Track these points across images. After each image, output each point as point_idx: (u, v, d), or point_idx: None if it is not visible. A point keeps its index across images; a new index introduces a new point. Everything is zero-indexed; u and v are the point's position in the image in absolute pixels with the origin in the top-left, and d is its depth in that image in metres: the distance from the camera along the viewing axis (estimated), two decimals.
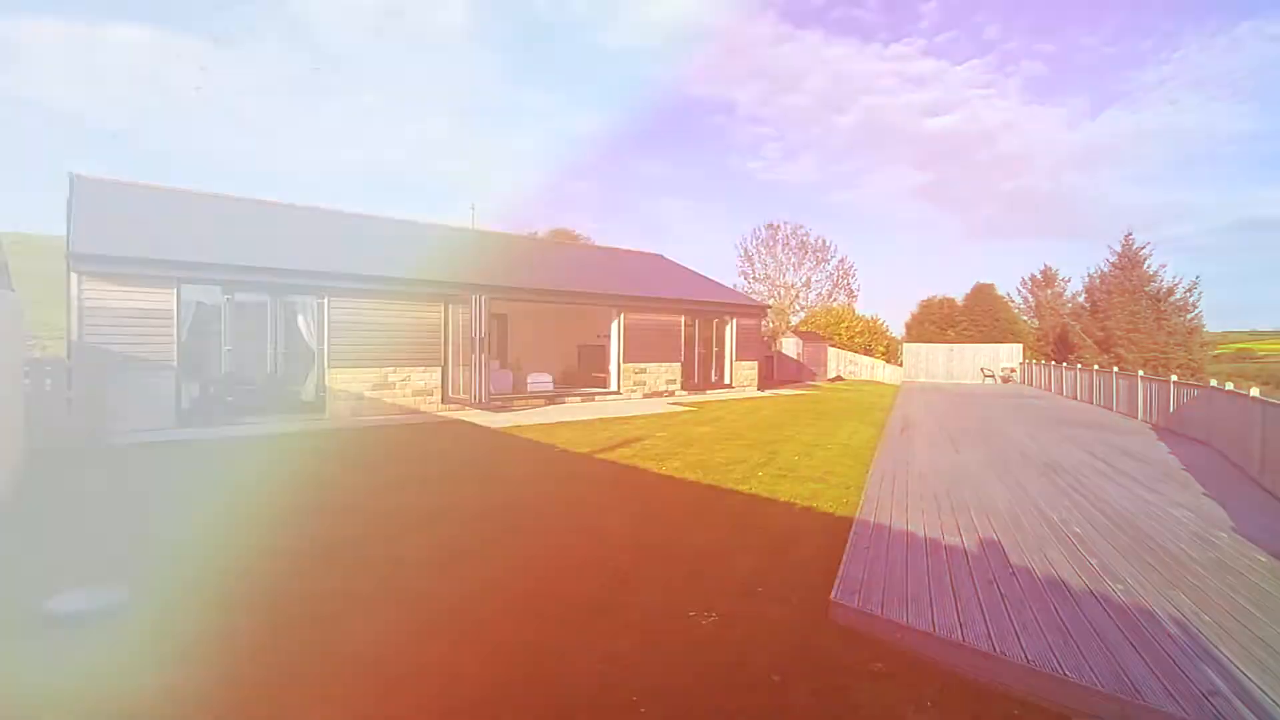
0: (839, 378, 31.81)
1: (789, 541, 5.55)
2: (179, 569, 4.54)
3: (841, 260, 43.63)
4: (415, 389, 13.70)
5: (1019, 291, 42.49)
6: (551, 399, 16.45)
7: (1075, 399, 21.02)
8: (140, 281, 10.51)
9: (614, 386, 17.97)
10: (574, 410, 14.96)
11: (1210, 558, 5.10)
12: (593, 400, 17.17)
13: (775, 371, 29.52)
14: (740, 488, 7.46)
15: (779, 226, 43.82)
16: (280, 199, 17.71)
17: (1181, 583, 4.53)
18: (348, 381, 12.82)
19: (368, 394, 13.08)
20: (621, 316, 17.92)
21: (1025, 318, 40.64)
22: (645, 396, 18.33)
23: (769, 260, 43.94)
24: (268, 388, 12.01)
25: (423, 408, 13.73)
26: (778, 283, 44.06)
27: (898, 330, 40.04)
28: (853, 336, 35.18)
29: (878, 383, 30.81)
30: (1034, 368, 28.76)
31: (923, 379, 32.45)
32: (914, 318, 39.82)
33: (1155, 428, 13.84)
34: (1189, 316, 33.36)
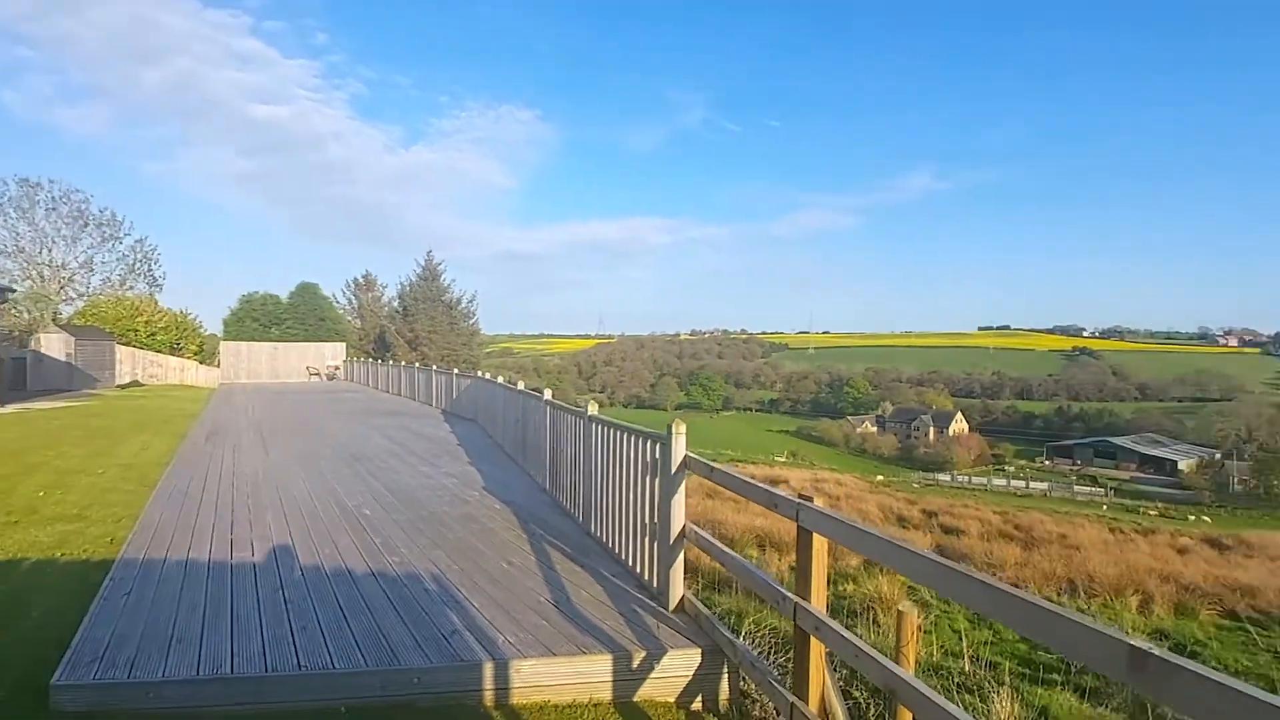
0: (136, 383, 26.15)
1: (8, 615, 3.99)
2: None
3: (141, 240, 36.06)
4: None
5: (344, 293, 44.57)
6: None
7: (389, 392, 23.42)
8: None
9: None
10: None
11: (462, 513, 6.34)
12: None
13: (29, 379, 21.96)
14: None
15: (43, 186, 32.74)
16: None
17: (442, 541, 5.43)
18: None
19: None
20: None
21: (350, 318, 42.97)
22: None
23: (23, 229, 32.33)
24: None
25: None
26: (38, 260, 32.94)
27: (215, 327, 36.07)
28: (155, 333, 29.56)
29: (190, 386, 26.86)
30: (356, 365, 30.68)
31: (245, 379, 30.09)
32: (234, 314, 36.51)
33: (445, 412, 16.72)
34: (471, 321, 42.53)
